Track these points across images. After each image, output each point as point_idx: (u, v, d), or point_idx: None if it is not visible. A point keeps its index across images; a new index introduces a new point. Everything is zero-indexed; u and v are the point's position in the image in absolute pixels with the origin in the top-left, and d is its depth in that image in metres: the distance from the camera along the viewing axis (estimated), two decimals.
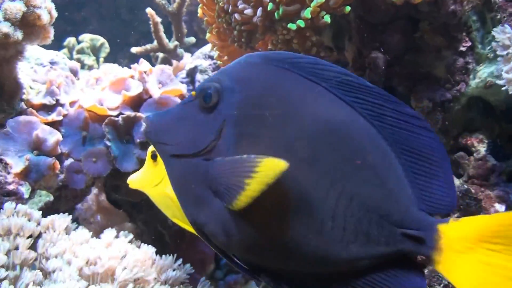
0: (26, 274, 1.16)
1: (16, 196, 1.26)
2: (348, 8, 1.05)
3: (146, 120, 0.71)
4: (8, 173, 1.27)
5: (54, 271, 1.19)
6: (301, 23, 0.99)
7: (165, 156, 0.70)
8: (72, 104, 1.38)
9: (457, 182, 1.18)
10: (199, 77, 1.90)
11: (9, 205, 1.21)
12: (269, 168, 0.60)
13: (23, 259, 1.18)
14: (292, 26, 1.01)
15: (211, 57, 1.91)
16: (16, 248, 1.19)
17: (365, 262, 0.66)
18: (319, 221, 0.64)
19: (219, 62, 1.38)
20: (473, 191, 1.14)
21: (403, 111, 0.67)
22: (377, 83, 1.20)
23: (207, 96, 0.67)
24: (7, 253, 1.17)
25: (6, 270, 1.13)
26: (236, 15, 1.09)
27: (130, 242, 1.36)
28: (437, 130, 1.18)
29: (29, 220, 1.20)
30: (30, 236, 1.19)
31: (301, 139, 0.65)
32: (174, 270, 1.21)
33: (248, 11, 1.09)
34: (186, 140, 0.68)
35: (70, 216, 1.26)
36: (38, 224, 1.21)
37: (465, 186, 1.15)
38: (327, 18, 1.02)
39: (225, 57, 1.33)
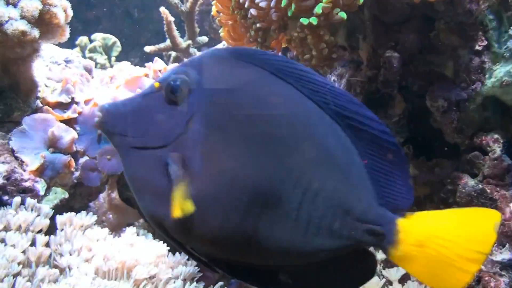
0: (40, 270, 1.17)
1: (32, 193, 1.27)
2: (361, 1, 1.04)
3: (101, 109, 0.69)
4: (24, 170, 1.28)
5: (69, 268, 1.20)
6: (314, 20, 0.99)
7: (124, 148, 0.69)
8: (87, 102, 1.39)
9: (472, 182, 1.17)
10: None
11: (17, 200, 1.22)
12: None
13: (39, 256, 1.19)
14: (304, 20, 1.01)
15: None
16: (32, 245, 1.21)
17: (326, 254, 0.68)
18: (284, 215, 0.66)
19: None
20: (488, 191, 1.13)
21: (366, 115, 0.71)
22: (392, 82, 1.20)
23: (175, 89, 0.67)
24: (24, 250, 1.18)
25: (23, 267, 1.14)
26: (252, 10, 1.09)
27: (143, 238, 1.37)
28: (452, 129, 1.18)
29: (38, 215, 1.21)
30: (40, 231, 1.21)
31: (269, 136, 0.66)
32: (185, 265, 1.22)
33: (263, 3, 1.09)
34: (151, 133, 0.67)
35: (94, 217, 1.27)
36: (47, 218, 1.23)
37: (480, 186, 1.15)
38: (343, 14, 1.02)
39: None
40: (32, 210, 1.22)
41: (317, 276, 0.71)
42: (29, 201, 1.22)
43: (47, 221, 1.22)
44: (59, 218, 1.23)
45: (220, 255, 0.69)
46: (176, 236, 0.68)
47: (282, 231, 0.66)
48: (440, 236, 0.67)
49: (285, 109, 0.68)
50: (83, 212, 1.28)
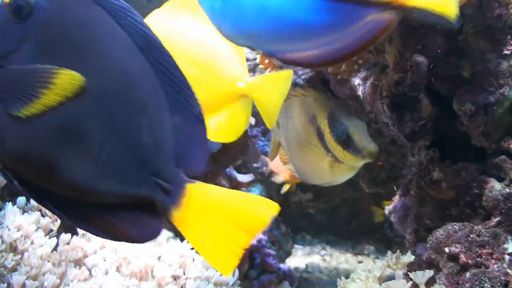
0: (70, 270, 1.20)
1: None
2: None
3: None
4: None
5: (94, 268, 1.22)
6: None
7: None
8: None
9: (498, 186, 1.17)
10: None
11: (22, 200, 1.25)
12: (67, 81, 0.67)
13: (67, 255, 1.22)
14: None
15: (246, 59, 1.93)
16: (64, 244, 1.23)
17: (117, 198, 0.72)
18: (85, 153, 0.70)
19: (261, 66, 1.41)
20: None
21: (183, 84, 0.75)
22: (419, 86, 1.20)
23: (18, 6, 0.70)
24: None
25: (53, 266, 1.17)
26: None
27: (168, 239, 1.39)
28: (479, 133, 1.18)
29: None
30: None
31: (91, 75, 0.70)
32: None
33: None
34: None
35: None
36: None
37: (507, 189, 1.14)
38: None
39: (266, 60, 1.36)
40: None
41: (110, 218, 0.74)
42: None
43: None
44: None
45: (26, 175, 0.71)
46: None
47: (81, 167, 0.70)
48: (220, 210, 0.72)
49: (115, 56, 0.72)
50: None
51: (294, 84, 1.85)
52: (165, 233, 1.32)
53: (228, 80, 1.13)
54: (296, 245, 2.33)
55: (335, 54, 0.78)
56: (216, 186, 0.76)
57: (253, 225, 0.73)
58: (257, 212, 0.73)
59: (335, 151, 1.20)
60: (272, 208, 0.74)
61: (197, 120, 0.76)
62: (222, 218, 0.72)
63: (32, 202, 1.26)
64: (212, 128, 1.12)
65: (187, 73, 0.76)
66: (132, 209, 0.74)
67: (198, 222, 0.72)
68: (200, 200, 0.73)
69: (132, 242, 0.76)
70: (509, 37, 1.13)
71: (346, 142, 1.18)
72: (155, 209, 0.74)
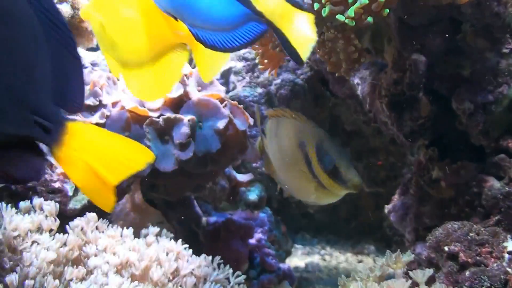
0: (69, 270, 1.19)
1: (61, 194, 1.30)
2: (386, 11, 1.06)
3: None
4: (53, 171, 1.31)
5: (93, 268, 1.22)
6: (350, 22, 1.00)
7: None
8: (114, 104, 1.42)
9: (497, 184, 1.17)
10: (233, 79, 1.92)
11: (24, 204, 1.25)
12: None
13: (66, 256, 1.21)
14: (340, 17, 1.01)
15: (245, 59, 1.94)
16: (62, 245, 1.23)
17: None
18: None
19: (260, 66, 1.41)
20: None
21: (60, 22, 0.76)
22: (418, 85, 1.20)
23: None
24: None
25: (52, 266, 1.17)
26: None
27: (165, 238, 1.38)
28: (478, 132, 1.18)
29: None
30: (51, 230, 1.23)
31: None
32: (214, 269, 1.23)
33: None
34: None
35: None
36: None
37: (507, 188, 1.15)
38: (370, 19, 1.03)
39: (266, 60, 1.36)
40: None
41: None
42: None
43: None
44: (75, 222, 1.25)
45: None
46: None
47: None
48: (99, 148, 0.74)
49: None
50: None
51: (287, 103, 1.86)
52: (154, 231, 1.31)
53: (166, 25, 0.98)
54: (296, 245, 2.32)
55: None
56: (97, 127, 0.78)
57: (128, 166, 0.76)
58: (133, 155, 0.76)
59: (321, 179, 1.23)
60: (148, 156, 0.77)
61: (74, 57, 0.77)
62: (100, 157, 0.74)
63: (34, 203, 1.26)
64: (136, 82, 1.02)
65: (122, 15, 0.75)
66: (14, 150, 0.73)
67: (78, 159, 0.73)
68: (80, 138, 0.74)
69: (17, 183, 0.76)
70: (508, 35, 1.13)
71: (333, 172, 1.21)
72: (38, 149, 0.75)
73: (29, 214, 1.25)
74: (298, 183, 1.31)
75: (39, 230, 1.22)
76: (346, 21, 1.02)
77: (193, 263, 1.24)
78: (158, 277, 1.18)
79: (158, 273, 1.18)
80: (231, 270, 1.27)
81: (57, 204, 1.23)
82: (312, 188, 1.26)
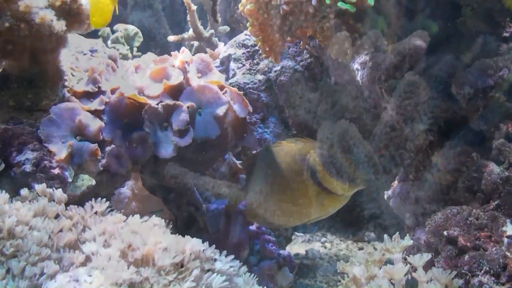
0: (68, 255, 1.19)
1: (60, 180, 1.30)
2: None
3: None
4: (52, 158, 1.31)
5: (93, 253, 1.22)
6: (351, 8, 0.99)
7: None
8: (113, 91, 1.41)
9: (497, 169, 1.16)
10: (233, 66, 1.91)
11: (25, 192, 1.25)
12: None
13: (66, 241, 1.21)
14: (342, 4, 1.01)
15: (244, 46, 1.92)
16: (60, 230, 1.23)
17: None
18: None
19: (264, 54, 1.40)
20: None
21: None
22: (418, 69, 1.19)
23: None
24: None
25: (52, 252, 1.17)
26: None
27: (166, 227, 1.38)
28: (477, 116, 1.17)
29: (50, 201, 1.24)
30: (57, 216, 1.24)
31: None
32: (221, 261, 1.23)
33: None
34: None
35: (106, 203, 1.29)
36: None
37: (506, 173, 1.14)
38: (371, 1, 1.02)
39: (267, 48, 1.35)
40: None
41: None
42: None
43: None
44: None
45: None
46: None
47: None
48: None
49: None
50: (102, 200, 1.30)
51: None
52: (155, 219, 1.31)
53: None
54: (296, 233, 2.33)
55: None
56: None
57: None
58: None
59: (329, 184, 1.30)
60: None
61: None
62: None
63: (37, 188, 1.26)
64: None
65: None
66: None
67: None
68: None
69: None
70: (508, 19, 1.12)
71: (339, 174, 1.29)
72: None
73: (30, 201, 1.25)
74: (301, 200, 1.37)
75: (43, 215, 1.22)
76: (348, 6, 1.01)
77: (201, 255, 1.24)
78: (160, 263, 1.18)
79: (161, 259, 1.18)
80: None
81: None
82: (318, 200, 1.31)
